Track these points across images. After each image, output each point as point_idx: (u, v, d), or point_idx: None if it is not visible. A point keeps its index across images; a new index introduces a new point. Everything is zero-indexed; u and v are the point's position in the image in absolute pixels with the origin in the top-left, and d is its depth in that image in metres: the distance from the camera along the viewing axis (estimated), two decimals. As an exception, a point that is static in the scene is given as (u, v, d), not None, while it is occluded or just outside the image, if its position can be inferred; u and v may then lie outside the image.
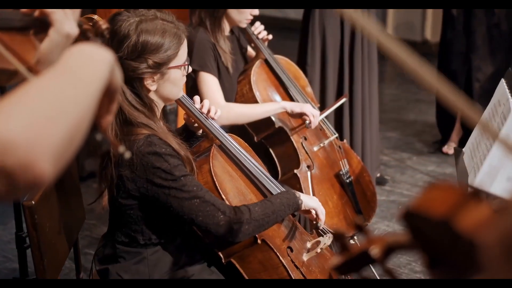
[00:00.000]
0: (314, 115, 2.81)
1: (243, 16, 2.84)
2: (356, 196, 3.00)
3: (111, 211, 2.06)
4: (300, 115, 2.82)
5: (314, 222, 2.26)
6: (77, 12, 1.35)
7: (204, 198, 1.90)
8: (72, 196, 2.27)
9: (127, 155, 1.11)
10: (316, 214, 2.23)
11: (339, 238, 0.98)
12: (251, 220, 1.96)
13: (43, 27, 1.31)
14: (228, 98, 2.86)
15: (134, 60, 1.90)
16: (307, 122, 2.81)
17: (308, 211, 2.23)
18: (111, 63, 1.01)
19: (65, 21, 1.31)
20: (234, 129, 2.91)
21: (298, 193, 2.17)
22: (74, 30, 1.33)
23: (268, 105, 2.82)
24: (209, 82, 2.75)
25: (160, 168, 1.86)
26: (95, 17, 1.59)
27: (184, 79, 2.05)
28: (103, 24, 1.45)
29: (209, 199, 1.91)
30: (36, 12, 1.29)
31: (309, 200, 2.22)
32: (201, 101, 2.23)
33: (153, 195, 1.90)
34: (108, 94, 1.04)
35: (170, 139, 1.93)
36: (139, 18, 1.92)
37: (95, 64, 0.97)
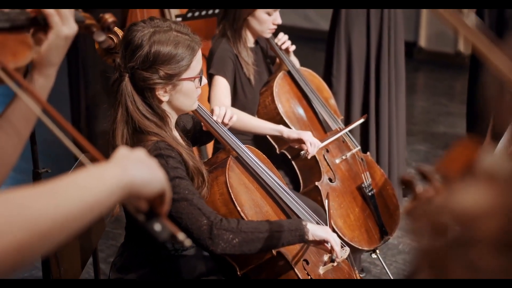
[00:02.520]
0: (312, 144, 2.65)
1: (264, 26, 2.85)
2: (378, 209, 2.97)
3: (127, 220, 2.08)
4: (298, 142, 2.68)
5: (329, 255, 2.08)
6: (73, 11, 1.37)
7: (192, 201, 1.87)
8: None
9: (187, 243, 1.07)
10: (331, 246, 2.05)
11: (407, 184, 0.98)
12: (237, 230, 1.89)
13: (40, 27, 1.33)
14: (250, 109, 2.87)
15: (146, 70, 1.91)
16: (303, 152, 2.67)
17: (320, 242, 2.04)
18: (127, 182, 1.01)
19: (64, 23, 1.33)
20: (257, 140, 2.92)
21: (306, 222, 2.04)
22: (73, 31, 1.35)
23: (267, 124, 2.75)
24: (220, 84, 2.76)
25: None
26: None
27: (199, 91, 2.04)
28: (109, 18, 1.46)
29: (196, 203, 1.88)
30: (32, 13, 1.31)
31: (318, 230, 2.02)
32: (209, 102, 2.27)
33: None
34: (157, 197, 1.07)
35: (180, 148, 1.94)
36: (153, 29, 1.93)
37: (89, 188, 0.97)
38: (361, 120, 3.14)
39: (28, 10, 1.31)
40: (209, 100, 2.79)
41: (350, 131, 3.10)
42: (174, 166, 1.87)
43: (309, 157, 2.67)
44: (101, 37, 1.44)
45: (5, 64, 1.18)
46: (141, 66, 1.91)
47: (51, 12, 1.31)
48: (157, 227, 1.06)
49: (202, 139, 2.42)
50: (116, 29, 1.99)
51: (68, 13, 1.33)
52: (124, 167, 1.02)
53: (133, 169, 1.03)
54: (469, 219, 0.68)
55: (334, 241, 2.05)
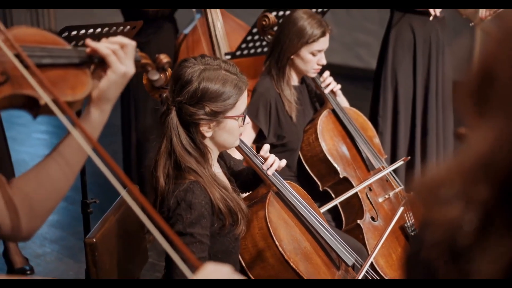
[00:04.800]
0: None
1: (309, 66, 2.91)
2: (421, 249, 2.94)
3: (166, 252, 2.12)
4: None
5: None
6: (133, 50, 1.44)
7: None
8: (134, 236, 2.35)
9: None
10: None
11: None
12: None
13: (100, 64, 1.41)
14: (292, 147, 2.92)
15: (193, 106, 1.97)
16: None
17: None
18: None
19: (122, 61, 1.40)
20: (300, 176, 2.95)
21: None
22: (131, 69, 1.42)
23: None
24: (249, 131, 2.87)
25: (181, 215, 1.89)
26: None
27: (241, 129, 2.09)
28: (164, 58, 1.54)
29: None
30: (88, 49, 1.39)
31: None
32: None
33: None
34: None
35: (213, 189, 1.96)
36: (203, 66, 2.00)
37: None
38: (401, 162, 3.14)
39: (87, 49, 1.38)
40: None
41: (394, 170, 3.10)
42: (194, 222, 1.89)
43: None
44: (155, 76, 1.51)
45: (57, 97, 1.24)
46: (188, 101, 1.97)
47: (107, 53, 1.38)
48: None
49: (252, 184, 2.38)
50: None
51: (126, 53, 1.40)
52: None
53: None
54: None
55: None
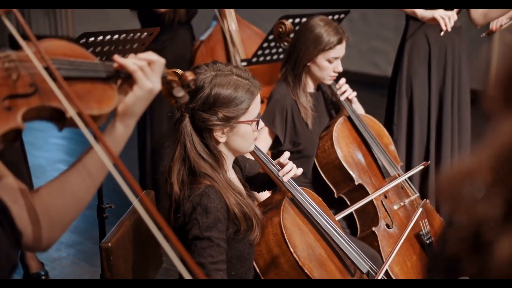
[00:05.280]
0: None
1: (325, 73, 2.91)
2: (436, 258, 2.93)
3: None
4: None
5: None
6: (161, 67, 1.44)
7: (209, 272, 1.88)
8: (149, 241, 2.36)
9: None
10: None
11: None
12: None
13: (127, 79, 1.42)
14: (308, 153, 2.92)
15: (206, 112, 1.98)
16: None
17: None
18: None
19: (148, 78, 1.40)
20: (315, 183, 2.95)
21: None
22: (157, 86, 1.43)
23: None
24: (263, 139, 2.87)
25: (196, 220, 1.90)
26: (179, 71, 1.69)
27: (255, 134, 2.09)
28: (189, 76, 1.55)
29: (213, 276, 1.88)
30: (115, 65, 1.40)
31: None
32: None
33: (187, 242, 1.94)
34: None
35: (228, 194, 1.96)
36: (215, 72, 2.01)
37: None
38: (421, 167, 3.12)
39: (115, 64, 1.39)
40: None
41: (409, 178, 3.09)
42: (211, 225, 1.89)
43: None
44: (180, 93, 1.51)
45: (83, 110, 1.24)
46: (201, 107, 1.98)
47: (134, 69, 1.39)
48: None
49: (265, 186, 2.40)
50: (178, 70, 2.08)
51: (153, 70, 1.41)
52: None
53: None
54: None
55: None
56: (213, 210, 1.90)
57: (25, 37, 1.32)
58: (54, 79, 1.25)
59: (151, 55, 1.44)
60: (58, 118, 1.29)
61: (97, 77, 1.37)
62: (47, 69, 1.26)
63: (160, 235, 1.18)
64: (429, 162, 3.31)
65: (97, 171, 1.38)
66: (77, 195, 1.38)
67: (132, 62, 1.40)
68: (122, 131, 1.41)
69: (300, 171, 2.25)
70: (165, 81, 1.52)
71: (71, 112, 1.24)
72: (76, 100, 1.25)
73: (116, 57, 1.41)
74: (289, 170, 2.22)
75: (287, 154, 2.26)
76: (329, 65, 2.89)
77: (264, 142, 2.88)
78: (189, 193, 1.94)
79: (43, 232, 1.37)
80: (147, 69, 1.41)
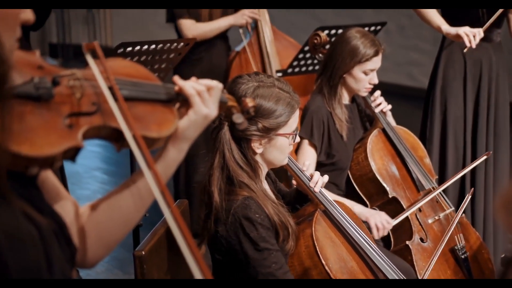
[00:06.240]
0: (379, 227, 2.71)
1: (361, 85, 2.90)
2: (471, 273, 2.89)
3: (212, 262, 2.14)
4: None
5: None
6: (218, 94, 1.43)
7: (278, 279, 1.92)
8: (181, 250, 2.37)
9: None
10: None
11: None
12: None
13: (184, 103, 1.40)
14: (342, 166, 2.91)
15: None
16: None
17: None
18: None
19: (205, 104, 1.39)
20: (349, 196, 2.94)
21: None
22: (214, 112, 1.41)
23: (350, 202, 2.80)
24: (309, 153, 2.85)
25: (248, 235, 1.93)
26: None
27: (291, 147, 2.10)
28: (250, 102, 1.55)
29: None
30: (176, 88, 1.39)
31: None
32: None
33: (238, 257, 1.97)
34: None
35: (266, 203, 1.99)
36: (257, 83, 2.02)
37: None
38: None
39: (176, 87, 1.39)
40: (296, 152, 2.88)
41: (444, 191, 3.06)
42: (263, 236, 1.93)
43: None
44: (239, 119, 1.50)
45: (135, 131, 1.22)
46: None
47: (192, 93, 1.37)
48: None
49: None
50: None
51: (211, 96, 1.40)
52: None
53: None
54: None
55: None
56: (258, 220, 1.93)
57: (94, 55, 1.30)
58: (116, 99, 1.24)
59: (211, 81, 1.42)
60: (117, 138, 1.27)
61: (158, 99, 1.35)
62: (110, 89, 1.25)
63: (185, 249, 1.17)
64: (489, 153, 3.22)
65: (148, 192, 1.34)
66: (125, 215, 1.37)
67: (190, 85, 1.38)
68: (174, 155, 1.38)
69: (326, 178, 2.27)
70: (225, 107, 1.50)
71: (127, 134, 1.22)
72: (134, 123, 1.23)
73: (176, 79, 1.39)
74: (317, 180, 2.23)
75: (307, 162, 2.28)
76: (365, 77, 2.88)
77: (309, 155, 2.85)
78: (228, 204, 1.96)
79: (89, 250, 1.36)
80: (205, 95, 1.39)
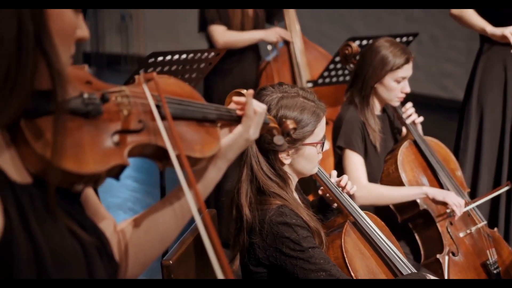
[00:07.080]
0: (457, 205, 2.76)
1: (392, 94, 2.87)
2: (504, 288, 2.83)
3: (243, 277, 2.13)
4: (443, 203, 2.80)
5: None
6: (262, 118, 1.42)
7: (330, 272, 1.90)
8: (209, 260, 2.37)
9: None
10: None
11: None
12: None
13: (226, 124, 1.40)
14: (374, 177, 2.88)
15: None
16: (449, 210, 2.81)
17: None
18: None
19: (248, 128, 1.39)
20: (378, 207, 2.91)
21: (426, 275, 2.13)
22: (255, 136, 1.41)
23: (409, 189, 2.80)
24: (354, 160, 2.81)
25: (289, 238, 1.91)
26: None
27: (320, 156, 2.09)
28: (291, 124, 1.54)
29: (335, 274, 1.90)
30: (239, 112, 1.39)
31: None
32: (341, 176, 2.26)
33: (281, 264, 1.94)
34: None
35: (301, 210, 1.98)
36: (281, 94, 2.01)
37: None
38: (505, 188, 3.05)
39: (238, 111, 1.39)
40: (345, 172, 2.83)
41: (477, 205, 3.00)
42: (304, 236, 1.91)
43: (455, 218, 2.84)
44: (280, 141, 1.50)
45: (181, 151, 1.21)
46: None
47: (250, 115, 1.38)
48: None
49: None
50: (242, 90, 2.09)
51: (255, 120, 1.39)
52: None
53: None
54: None
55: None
56: (295, 223, 1.92)
57: (129, 80, 1.28)
58: (163, 117, 1.22)
59: (260, 104, 1.42)
60: (161, 157, 1.25)
61: (203, 118, 1.33)
62: (158, 107, 1.23)
63: (214, 257, 1.16)
64: (509, 182, 3.17)
65: (189, 213, 1.33)
66: (167, 233, 1.36)
67: (252, 107, 1.39)
68: (214, 175, 1.37)
69: (354, 188, 2.25)
70: (267, 128, 1.49)
71: (171, 154, 1.19)
72: (180, 142, 1.21)
73: (238, 98, 1.40)
74: (347, 181, 2.22)
75: (334, 172, 2.26)
76: (396, 85, 2.85)
77: (357, 164, 2.83)
78: (262, 214, 1.95)
79: (126, 267, 1.35)
80: (259, 121, 1.40)
